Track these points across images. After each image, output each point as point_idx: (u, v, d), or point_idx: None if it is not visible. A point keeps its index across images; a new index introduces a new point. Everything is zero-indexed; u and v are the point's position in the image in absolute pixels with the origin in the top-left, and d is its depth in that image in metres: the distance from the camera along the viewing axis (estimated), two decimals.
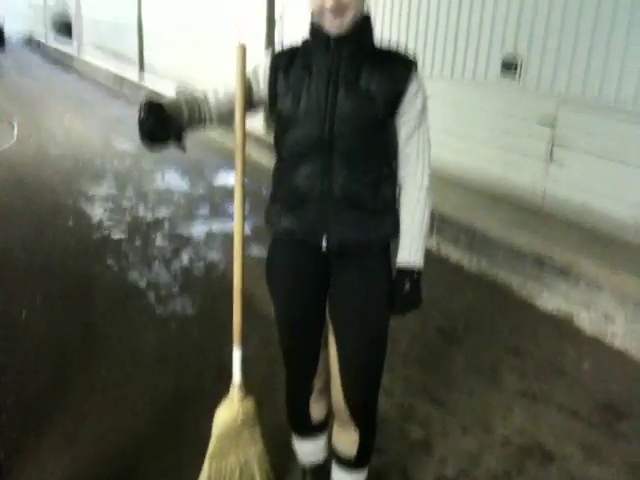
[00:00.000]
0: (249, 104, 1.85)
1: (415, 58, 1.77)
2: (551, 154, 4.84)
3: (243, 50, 1.76)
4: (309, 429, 2.15)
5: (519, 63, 5.05)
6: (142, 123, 1.66)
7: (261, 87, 1.82)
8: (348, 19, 1.65)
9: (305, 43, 1.79)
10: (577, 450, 2.61)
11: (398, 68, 1.72)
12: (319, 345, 2.00)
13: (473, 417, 2.80)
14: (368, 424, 2.02)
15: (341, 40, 1.67)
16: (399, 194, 1.82)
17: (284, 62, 1.79)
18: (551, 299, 3.89)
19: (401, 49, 1.79)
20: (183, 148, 1.76)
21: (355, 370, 1.91)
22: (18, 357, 3.08)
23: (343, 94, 1.68)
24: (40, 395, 2.79)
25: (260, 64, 1.84)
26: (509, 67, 5.15)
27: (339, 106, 1.68)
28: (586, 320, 3.67)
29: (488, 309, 3.86)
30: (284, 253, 1.91)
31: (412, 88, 1.71)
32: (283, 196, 1.83)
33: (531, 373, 3.17)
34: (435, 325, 3.59)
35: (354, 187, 1.72)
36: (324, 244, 1.77)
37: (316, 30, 1.72)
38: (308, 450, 2.21)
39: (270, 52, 1.85)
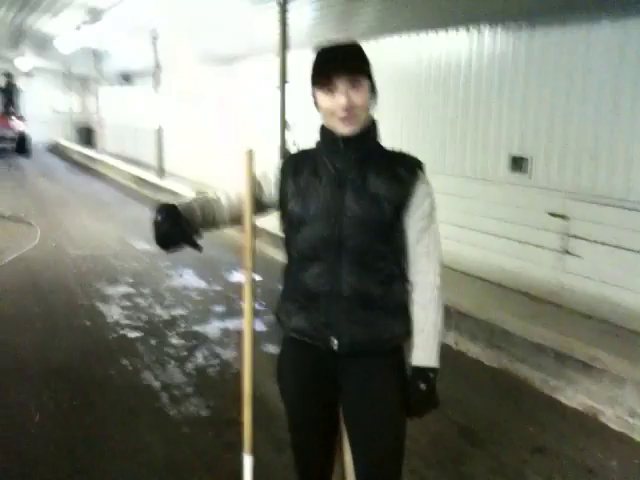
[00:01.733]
0: (259, 206, 1.89)
1: (420, 161, 1.80)
2: (565, 245, 4.85)
3: (251, 155, 1.82)
4: None
5: (527, 159, 5.16)
6: (157, 225, 1.72)
7: (272, 191, 1.87)
8: (358, 124, 1.72)
9: (316, 145, 1.84)
10: None
11: (405, 171, 1.75)
12: (332, 450, 1.95)
13: None
14: None
15: (350, 143, 1.73)
16: (410, 293, 1.81)
17: (294, 165, 1.85)
18: (574, 395, 3.77)
19: (407, 152, 1.84)
20: (199, 248, 1.79)
21: (373, 477, 1.85)
22: (27, 461, 3.01)
23: (351, 197, 1.72)
24: None
25: (270, 168, 1.90)
26: (518, 163, 5.26)
27: (347, 208, 1.72)
28: (611, 416, 3.54)
29: (510, 406, 3.74)
30: (294, 353, 1.90)
31: (419, 190, 1.75)
32: (293, 295, 1.84)
33: (558, 474, 3.03)
34: (456, 425, 3.48)
35: (364, 286, 1.73)
36: (335, 346, 1.75)
37: (326, 132, 1.78)
38: None
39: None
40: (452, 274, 5.60)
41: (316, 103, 1.77)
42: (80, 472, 2.98)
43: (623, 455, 3.23)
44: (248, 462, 1.94)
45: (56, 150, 22.60)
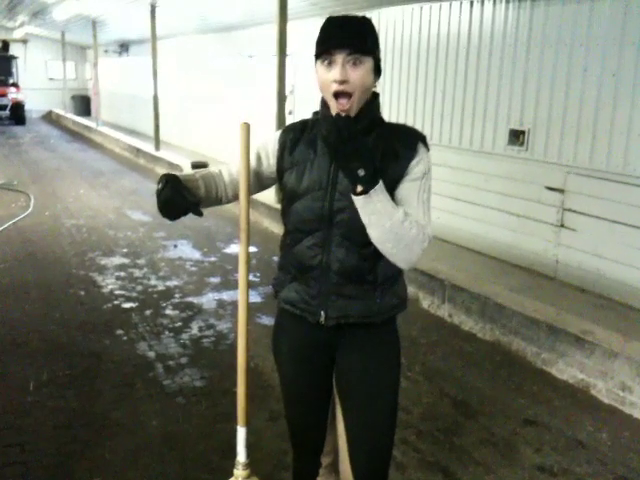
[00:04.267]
0: (259, 179, 1.89)
1: (422, 134, 1.75)
2: (562, 220, 4.84)
3: (247, 128, 1.79)
4: None
5: (526, 133, 5.12)
6: (160, 193, 1.71)
7: (270, 162, 1.86)
8: (353, 101, 1.65)
9: (315, 116, 1.82)
10: None
11: (403, 147, 1.70)
12: (325, 421, 1.97)
13: None
14: None
15: (347, 117, 1.67)
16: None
17: (292, 138, 1.82)
18: (566, 368, 3.80)
19: (409, 125, 1.80)
20: (199, 213, 1.78)
21: (365, 447, 1.87)
22: (24, 434, 3.03)
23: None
24: (44, 475, 2.73)
25: (269, 139, 1.87)
26: (516, 136, 5.23)
27: (339, 182, 1.70)
28: (602, 390, 3.57)
29: (503, 379, 3.77)
30: (288, 324, 1.91)
31: (417, 166, 1.69)
32: (287, 267, 1.85)
33: (548, 446, 3.06)
34: (449, 398, 3.50)
35: (352, 261, 1.72)
36: (322, 319, 1.77)
37: (324, 104, 1.75)
38: None
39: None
40: (447, 247, 5.60)
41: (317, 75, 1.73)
42: (77, 442, 3.00)
43: (613, 428, 3.27)
44: (242, 434, 1.94)
45: (51, 119, 22.41)
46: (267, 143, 1.87)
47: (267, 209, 7.15)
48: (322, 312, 1.76)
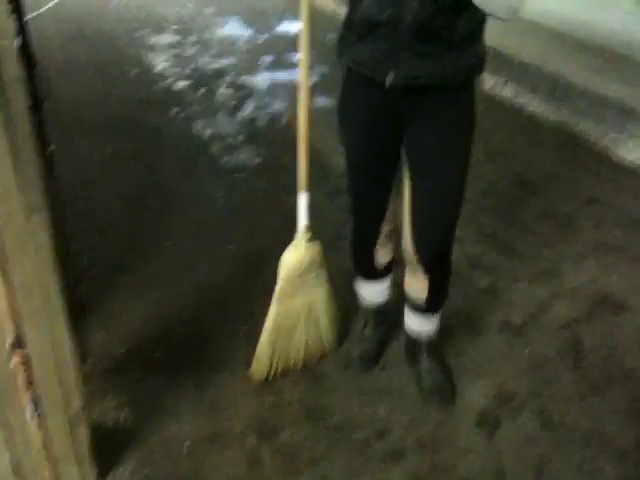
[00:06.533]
0: None
1: None
2: None
3: None
4: (374, 272, 2.13)
5: None
6: None
7: None
8: None
9: None
10: None
11: None
12: (390, 191, 1.93)
13: (545, 265, 2.73)
14: (440, 271, 1.97)
15: None
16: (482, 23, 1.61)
17: None
18: (635, 149, 3.64)
19: None
20: None
21: (430, 219, 1.85)
22: (94, 203, 3.16)
23: None
24: (116, 242, 2.89)
25: None
26: None
27: None
28: None
29: (568, 159, 3.65)
30: (356, 94, 1.79)
31: None
32: (354, 23, 1.66)
33: (609, 224, 3.03)
34: (512, 175, 3.43)
35: (427, 14, 1.51)
36: (390, 78, 1.61)
37: None
38: (371, 292, 2.21)
39: None
40: (518, 23, 5.15)
41: None
42: (147, 210, 3.14)
43: None
44: (304, 199, 1.96)
45: None
46: None
47: None
48: (391, 72, 1.61)
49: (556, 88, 4.16)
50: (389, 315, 2.29)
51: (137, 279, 2.64)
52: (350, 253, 2.14)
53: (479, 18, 1.57)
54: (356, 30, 1.66)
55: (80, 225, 2.92)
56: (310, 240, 1.99)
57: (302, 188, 1.95)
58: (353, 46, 1.68)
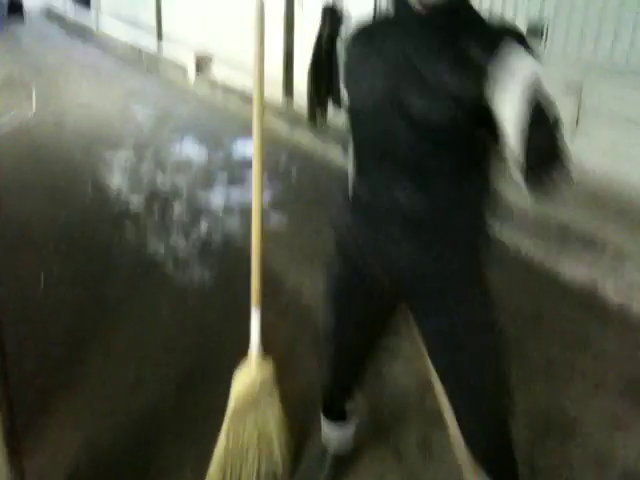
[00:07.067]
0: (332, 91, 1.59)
1: (515, 31, 1.31)
2: (577, 122, 4.72)
3: (262, 5, 1.69)
4: (340, 416, 2.05)
5: (545, 28, 4.91)
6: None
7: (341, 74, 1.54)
8: None
9: (388, 18, 1.46)
10: (602, 421, 2.55)
11: (480, 48, 1.27)
12: (378, 340, 1.79)
13: None
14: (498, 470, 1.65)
15: (428, 8, 1.32)
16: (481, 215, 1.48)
17: (362, 40, 1.48)
18: (575, 268, 3.80)
19: (507, 22, 1.37)
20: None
21: (466, 410, 1.59)
22: (37, 326, 3.07)
23: (412, 86, 1.33)
24: (57, 366, 2.78)
25: (339, 45, 1.53)
26: (534, 32, 5.01)
27: (406, 100, 1.33)
28: (611, 290, 3.59)
29: (510, 277, 3.77)
30: (342, 267, 1.66)
31: (503, 71, 1.23)
32: (345, 201, 1.57)
33: (555, 343, 3.10)
34: None
35: (421, 203, 1.38)
36: (385, 270, 1.50)
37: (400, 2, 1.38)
38: (335, 436, 2.10)
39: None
40: None
41: None
42: (92, 332, 3.05)
43: (620, 328, 3.29)
44: (256, 316, 1.96)
45: (51, 15, 21.63)
46: (339, 51, 1.55)
47: (274, 109, 6.99)
48: (385, 261, 1.49)
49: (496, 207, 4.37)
50: (346, 461, 2.16)
51: (78, 405, 2.52)
52: (320, 391, 2.03)
53: (477, 212, 1.47)
54: (347, 210, 1.57)
55: (22, 351, 2.82)
56: (262, 358, 1.97)
57: (254, 304, 1.95)
58: (344, 227, 1.59)
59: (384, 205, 1.42)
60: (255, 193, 1.86)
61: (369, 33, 1.46)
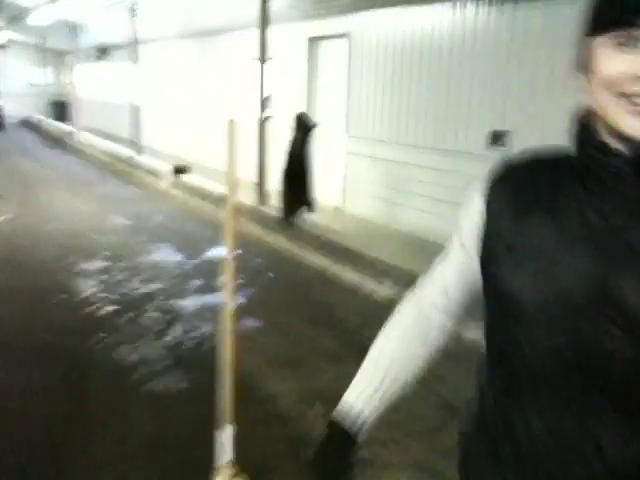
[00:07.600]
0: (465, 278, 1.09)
1: None
2: None
3: (233, 125, 1.76)
4: None
5: (508, 134, 5.18)
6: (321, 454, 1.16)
7: (468, 245, 1.06)
8: None
9: (562, 155, 0.98)
10: None
11: None
12: None
13: None
14: None
15: None
16: None
17: (515, 188, 1.00)
18: None
19: None
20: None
21: None
22: (13, 438, 2.97)
23: (628, 274, 0.86)
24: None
25: (472, 200, 1.07)
26: (498, 137, 5.28)
27: (618, 296, 0.86)
28: None
29: None
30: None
31: None
32: (487, 441, 1.05)
33: None
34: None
35: (633, 450, 0.90)
36: None
37: (589, 137, 0.93)
38: None
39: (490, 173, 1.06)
40: (417, 246, 5.58)
41: (585, 67, 0.96)
42: (67, 444, 2.95)
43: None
44: (228, 432, 1.92)
45: (30, 125, 22.16)
46: (467, 210, 1.09)
47: (248, 212, 7.10)
48: None
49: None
50: None
51: None
52: None
53: None
54: (492, 454, 1.04)
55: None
56: (235, 476, 1.91)
57: (227, 419, 1.91)
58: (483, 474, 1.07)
59: (562, 446, 0.93)
60: (226, 301, 1.87)
61: (532, 178, 1.00)
